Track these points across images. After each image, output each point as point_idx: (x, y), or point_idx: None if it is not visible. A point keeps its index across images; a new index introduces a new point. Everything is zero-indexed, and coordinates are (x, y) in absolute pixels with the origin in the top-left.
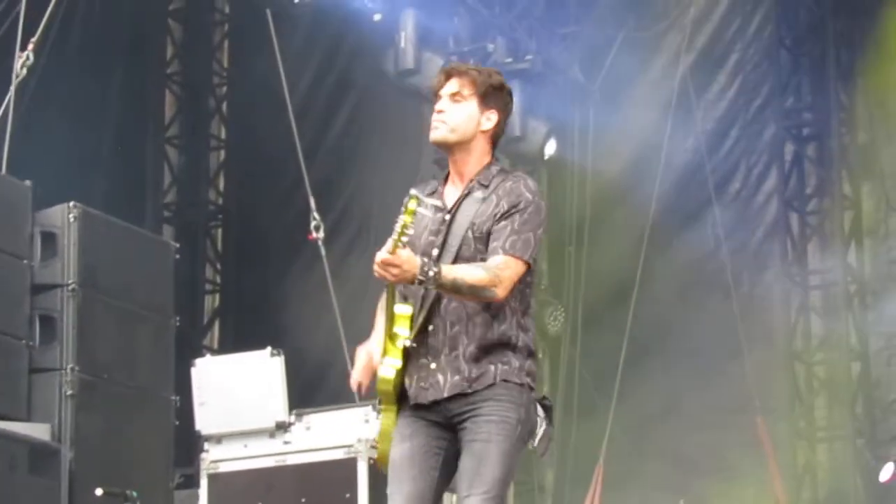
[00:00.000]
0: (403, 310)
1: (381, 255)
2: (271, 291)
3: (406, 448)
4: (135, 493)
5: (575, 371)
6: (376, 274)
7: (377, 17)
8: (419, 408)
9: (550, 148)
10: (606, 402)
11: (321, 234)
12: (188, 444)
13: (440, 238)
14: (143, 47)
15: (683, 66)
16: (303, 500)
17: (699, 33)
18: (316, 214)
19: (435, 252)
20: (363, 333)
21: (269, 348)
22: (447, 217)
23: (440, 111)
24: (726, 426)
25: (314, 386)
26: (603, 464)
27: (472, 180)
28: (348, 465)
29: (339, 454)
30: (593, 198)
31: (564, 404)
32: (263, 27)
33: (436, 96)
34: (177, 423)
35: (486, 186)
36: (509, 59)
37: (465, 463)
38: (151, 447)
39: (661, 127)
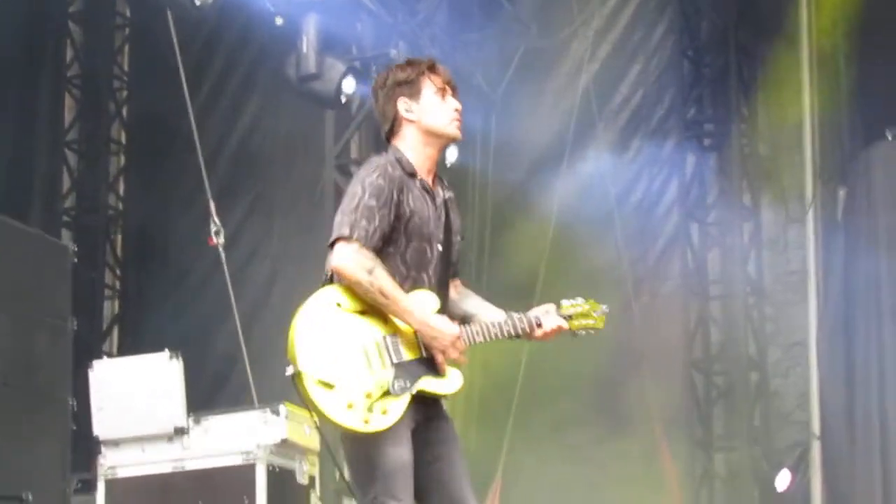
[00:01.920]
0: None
1: (558, 324)
2: (171, 297)
3: (410, 454)
4: (29, 496)
5: (475, 382)
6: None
7: (279, 21)
8: (422, 403)
9: (452, 155)
10: (505, 415)
11: (221, 240)
12: (86, 448)
13: (442, 234)
14: (42, 50)
15: (586, 75)
16: None
17: (602, 43)
18: (216, 220)
19: (438, 248)
20: (263, 337)
21: (167, 351)
22: (442, 214)
23: (459, 110)
24: (625, 435)
25: (214, 389)
26: (501, 477)
27: (435, 177)
28: (246, 471)
29: (237, 460)
30: (495, 206)
31: (465, 417)
32: (165, 30)
33: (444, 89)
34: (74, 427)
35: (448, 191)
36: None
37: (460, 463)
38: (48, 451)
39: (563, 136)
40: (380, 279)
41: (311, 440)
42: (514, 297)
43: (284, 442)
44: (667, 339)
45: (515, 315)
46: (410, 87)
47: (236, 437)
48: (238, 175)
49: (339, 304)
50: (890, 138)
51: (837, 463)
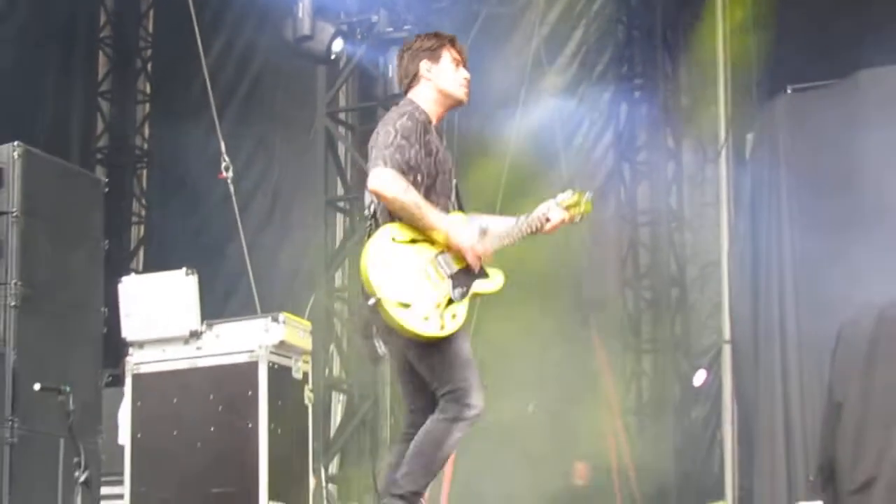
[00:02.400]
0: None
1: (562, 216)
2: (188, 223)
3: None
4: (67, 388)
5: None
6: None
7: None
8: None
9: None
10: (469, 312)
11: (230, 174)
12: (115, 349)
13: (455, 173)
14: (79, 16)
15: (537, 37)
16: (211, 396)
17: (551, 11)
18: (226, 157)
19: (455, 181)
20: (265, 258)
21: (184, 268)
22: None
23: (468, 79)
24: (569, 341)
25: (224, 301)
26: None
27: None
28: (251, 368)
29: (243, 358)
30: (460, 148)
31: None
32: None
33: (459, 60)
34: (105, 330)
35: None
36: (390, 29)
37: None
38: (83, 350)
39: (518, 89)
40: (413, 195)
41: (305, 342)
42: None
43: (282, 343)
44: (603, 260)
45: (527, 217)
46: (433, 53)
47: (242, 340)
48: (245, 120)
49: (393, 238)
50: (790, 92)
51: (744, 363)
